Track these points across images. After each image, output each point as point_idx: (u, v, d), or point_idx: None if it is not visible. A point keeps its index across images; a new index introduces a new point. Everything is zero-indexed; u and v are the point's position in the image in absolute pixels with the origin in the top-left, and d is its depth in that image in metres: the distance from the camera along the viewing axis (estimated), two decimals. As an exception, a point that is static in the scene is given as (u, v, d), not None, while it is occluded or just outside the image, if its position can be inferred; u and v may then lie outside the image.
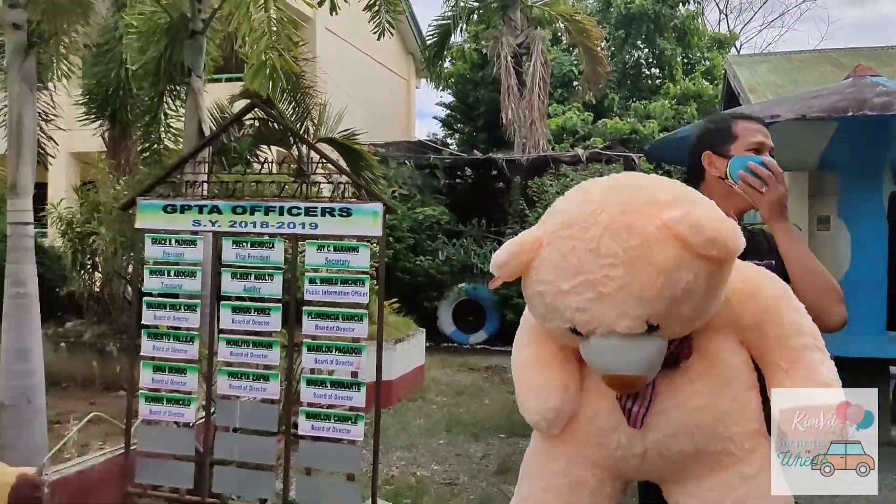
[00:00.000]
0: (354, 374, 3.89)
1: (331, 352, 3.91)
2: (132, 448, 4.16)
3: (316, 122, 9.56)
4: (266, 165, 4.34)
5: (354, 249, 3.94)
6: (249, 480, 4.00)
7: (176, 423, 4.11)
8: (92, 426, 4.77)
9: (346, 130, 9.65)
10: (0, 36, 5.88)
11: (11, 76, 4.61)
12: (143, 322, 4.16)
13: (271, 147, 9.56)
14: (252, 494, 4.04)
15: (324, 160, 4.21)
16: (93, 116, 8.65)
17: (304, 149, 8.91)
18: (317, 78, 10.01)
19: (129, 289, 8.31)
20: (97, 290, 8.67)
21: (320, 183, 4.46)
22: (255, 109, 4.73)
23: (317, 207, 3.97)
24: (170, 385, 4.10)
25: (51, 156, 8.53)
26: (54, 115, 8.15)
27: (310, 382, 3.92)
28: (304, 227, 3.97)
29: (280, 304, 4.02)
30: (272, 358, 3.99)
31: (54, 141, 8.47)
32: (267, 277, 4.02)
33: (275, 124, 8.58)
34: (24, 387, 4.52)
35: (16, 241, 4.60)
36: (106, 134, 9.36)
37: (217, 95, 9.43)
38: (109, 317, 8.35)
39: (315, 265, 3.97)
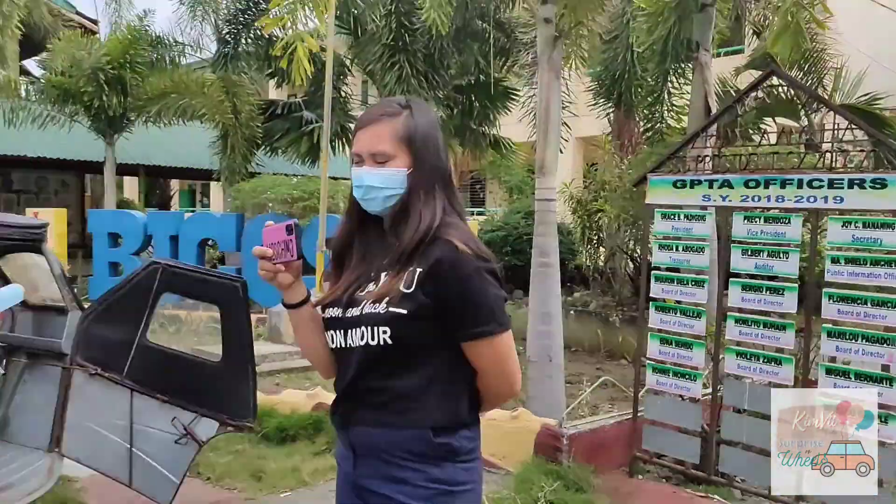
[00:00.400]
0: (885, 368, 3.42)
1: (856, 340, 3.50)
2: (639, 415, 4.35)
3: (829, 87, 8.68)
4: (769, 138, 4.08)
5: (888, 226, 3.46)
6: (758, 465, 3.83)
7: (681, 396, 4.16)
8: (599, 389, 5.13)
9: (866, 95, 8.56)
10: (523, 32, 6.66)
11: (542, 66, 5.17)
12: (650, 295, 4.30)
13: (774, 119, 8.98)
14: (760, 480, 3.86)
15: (853, 126, 3.76)
16: (600, 101, 9.23)
17: (815, 118, 8.17)
18: (830, 39, 9.05)
19: (630, 263, 8.74)
20: (601, 263, 9.34)
21: (830, 153, 3.99)
22: (769, 78, 4.46)
23: (843, 179, 3.58)
24: (675, 358, 4.17)
25: (564, 139, 9.39)
26: (568, 103, 8.94)
27: (829, 371, 3.57)
28: (826, 201, 3.62)
29: (796, 285, 3.74)
30: (785, 341, 3.74)
31: (567, 126, 9.29)
32: (781, 255, 3.78)
33: (782, 94, 8.03)
34: (546, 346, 5.08)
35: (542, 215, 5.17)
36: (610, 117, 9.95)
37: (717, 71, 9.22)
38: (611, 289, 8.91)
39: (839, 243, 3.60)
